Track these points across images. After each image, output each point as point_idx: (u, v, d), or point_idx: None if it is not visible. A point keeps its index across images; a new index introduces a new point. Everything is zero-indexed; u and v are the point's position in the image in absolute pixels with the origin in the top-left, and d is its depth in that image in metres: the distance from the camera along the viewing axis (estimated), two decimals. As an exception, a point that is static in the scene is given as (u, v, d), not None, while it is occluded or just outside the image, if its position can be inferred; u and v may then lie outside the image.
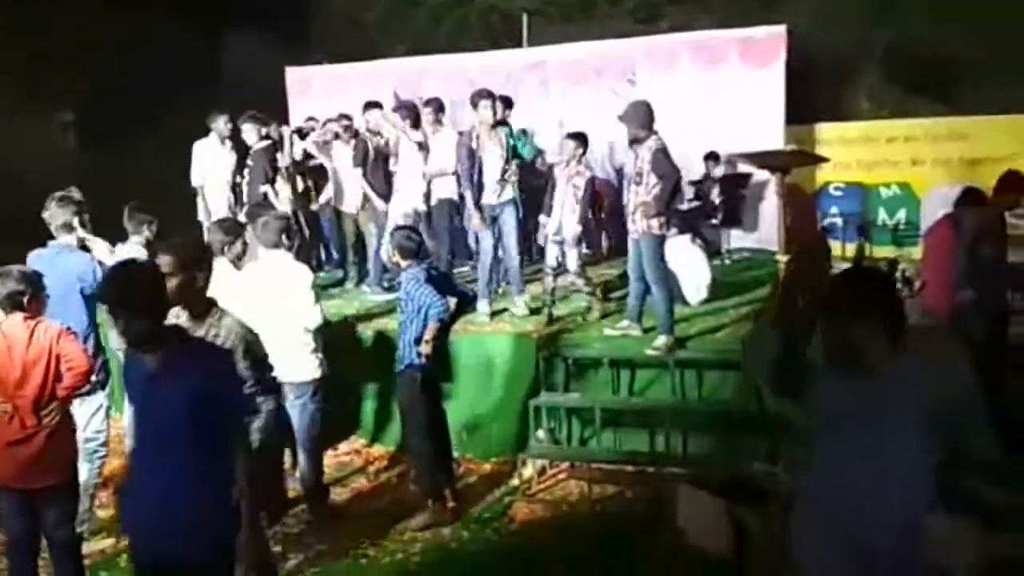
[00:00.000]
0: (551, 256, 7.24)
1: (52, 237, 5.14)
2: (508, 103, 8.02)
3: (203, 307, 3.65)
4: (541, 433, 6.22)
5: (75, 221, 5.11)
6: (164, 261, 3.57)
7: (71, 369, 4.10)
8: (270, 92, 11.45)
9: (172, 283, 3.42)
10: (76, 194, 5.24)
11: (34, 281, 4.15)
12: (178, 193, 8.44)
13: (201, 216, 8.32)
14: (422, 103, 8.29)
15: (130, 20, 12.64)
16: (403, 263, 5.35)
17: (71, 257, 5.07)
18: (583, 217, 7.21)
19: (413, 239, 5.43)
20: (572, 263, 7.16)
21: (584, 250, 7.85)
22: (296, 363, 5.07)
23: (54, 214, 5.06)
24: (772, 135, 9.30)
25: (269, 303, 5.00)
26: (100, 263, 5.10)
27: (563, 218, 7.11)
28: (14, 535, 4.11)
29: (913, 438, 2.61)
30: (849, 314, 2.62)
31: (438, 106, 7.95)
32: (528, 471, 5.89)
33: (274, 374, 3.90)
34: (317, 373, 5.22)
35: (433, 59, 11.18)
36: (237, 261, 5.18)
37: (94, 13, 12.70)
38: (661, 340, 6.11)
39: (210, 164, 8.31)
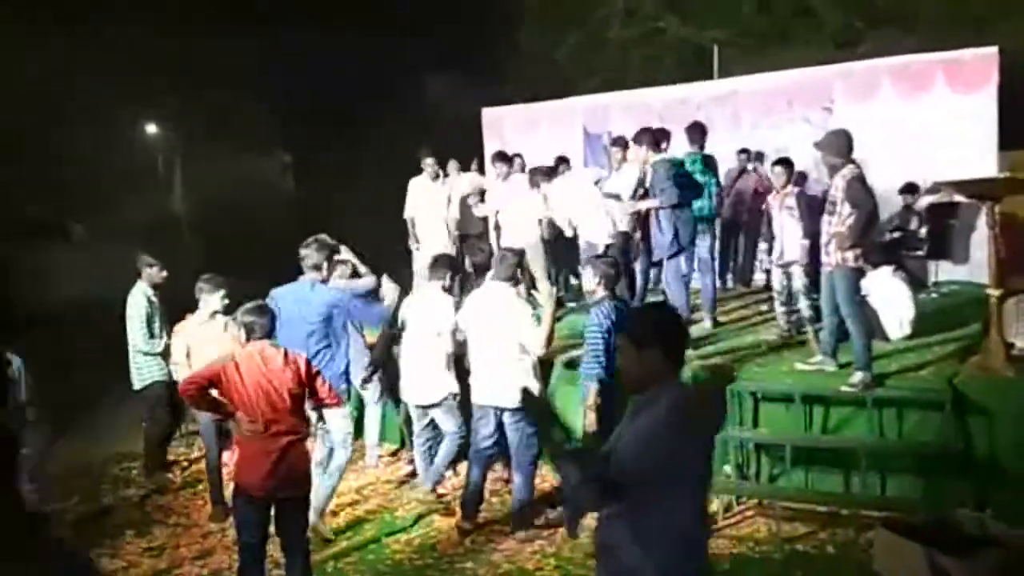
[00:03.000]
0: (777, 282, 7.36)
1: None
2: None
3: None
4: (728, 468, 6.12)
5: (325, 262, 5.76)
6: None
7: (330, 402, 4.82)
8: (471, 130, 12.06)
9: None
10: (329, 240, 5.87)
11: (274, 314, 4.71)
12: (390, 225, 9.19)
13: (412, 245, 9.27)
14: (610, 139, 8.53)
15: (342, 67, 13.74)
16: (601, 294, 5.45)
17: (324, 290, 5.71)
18: (810, 231, 6.98)
19: (613, 267, 5.59)
20: (798, 283, 7.09)
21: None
22: (515, 388, 5.32)
23: (310, 255, 5.67)
24: (985, 162, 8.72)
25: (494, 331, 5.47)
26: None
27: (785, 242, 7.09)
28: (253, 542, 4.53)
29: None
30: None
31: (624, 143, 8.03)
32: (714, 506, 5.81)
33: None
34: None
35: (620, 95, 11.33)
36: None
37: (310, 64, 13.92)
38: (857, 377, 5.86)
39: (422, 199, 9.22)
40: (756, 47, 12.59)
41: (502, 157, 8.88)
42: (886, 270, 7.27)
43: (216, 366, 4.44)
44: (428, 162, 9.26)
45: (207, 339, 6.00)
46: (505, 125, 11.96)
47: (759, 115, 10.31)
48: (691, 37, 13.14)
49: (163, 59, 17.20)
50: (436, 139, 10.06)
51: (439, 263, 6.13)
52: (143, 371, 6.77)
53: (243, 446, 4.50)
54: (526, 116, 11.83)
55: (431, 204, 9.24)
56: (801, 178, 8.53)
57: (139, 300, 6.74)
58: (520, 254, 5.96)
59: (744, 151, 9.94)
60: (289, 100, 14.35)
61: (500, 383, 5.46)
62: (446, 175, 9.53)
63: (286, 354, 4.51)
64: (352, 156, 13.47)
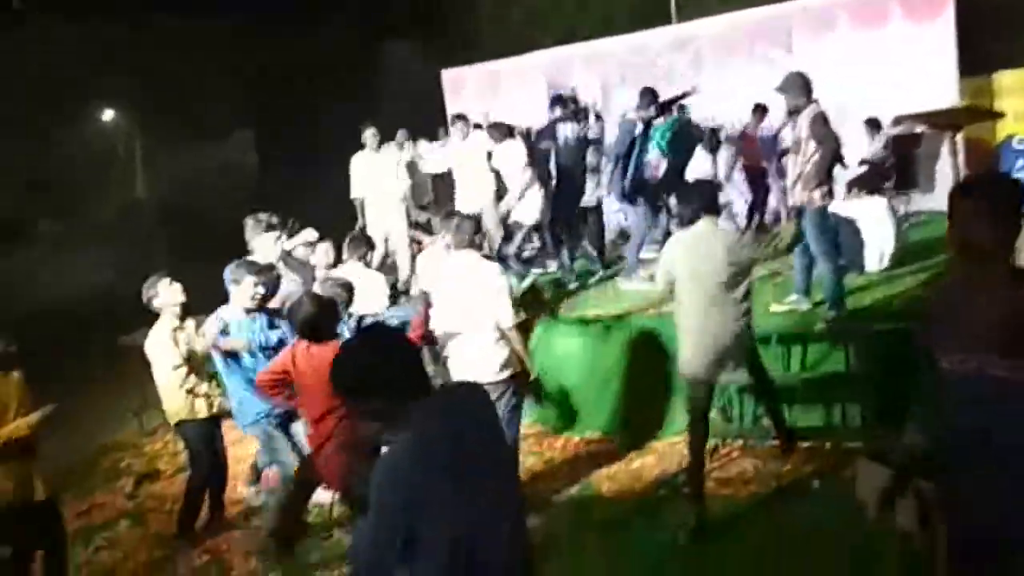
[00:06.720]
0: None
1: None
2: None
3: None
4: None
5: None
6: None
7: None
8: (429, 95, 11.96)
9: None
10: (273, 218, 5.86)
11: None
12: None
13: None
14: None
15: (294, 44, 13.55)
16: None
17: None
18: None
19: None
20: None
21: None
22: (489, 362, 5.04)
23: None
24: (946, 90, 8.78)
25: (464, 303, 5.07)
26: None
27: None
28: None
29: None
30: None
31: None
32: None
33: None
34: (508, 372, 5.10)
35: (581, 46, 11.24)
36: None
37: (260, 40, 13.71)
38: (831, 314, 5.93)
39: (367, 174, 8.70)
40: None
41: (461, 117, 8.75)
42: (880, 201, 7.26)
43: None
44: (368, 133, 8.60)
45: None
46: (466, 86, 11.86)
47: (721, 57, 10.27)
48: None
49: (115, 47, 16.86)
50: (398, 107, 9.92)
51: (357, 240, 6.60)
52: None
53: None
54: (487, 75, 11.73)
55: (378, 177, 8.60)
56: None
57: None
58: (476, 219, 5.74)
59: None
60: (245, 81, 14.14)
61: (477, 356, 5.02)
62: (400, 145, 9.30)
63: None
64: (313, 133, 13.28)
